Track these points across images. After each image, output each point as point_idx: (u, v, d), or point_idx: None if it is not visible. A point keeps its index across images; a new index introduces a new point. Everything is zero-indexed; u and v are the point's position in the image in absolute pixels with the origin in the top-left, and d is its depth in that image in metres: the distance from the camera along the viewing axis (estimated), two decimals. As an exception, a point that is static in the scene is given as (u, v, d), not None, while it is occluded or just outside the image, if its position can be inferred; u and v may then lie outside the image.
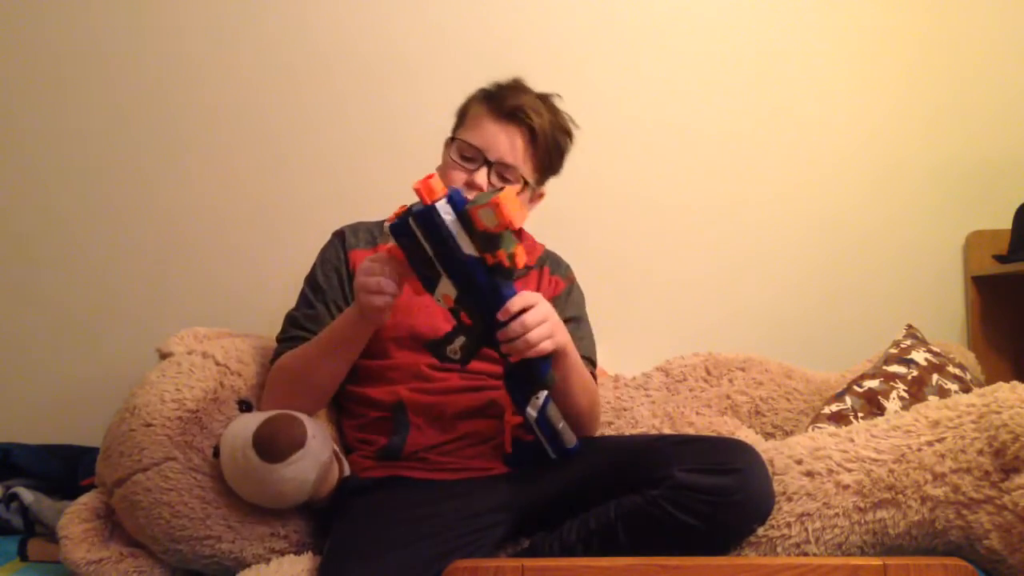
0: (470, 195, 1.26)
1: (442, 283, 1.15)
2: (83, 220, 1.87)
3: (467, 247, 1.12)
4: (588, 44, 1.88)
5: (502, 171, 1.35)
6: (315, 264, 1.43)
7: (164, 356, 1.40)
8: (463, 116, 1.42)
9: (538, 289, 1.42)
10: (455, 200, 1.11)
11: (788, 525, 1.15)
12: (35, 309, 1.87)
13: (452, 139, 1.39)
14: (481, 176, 1.34)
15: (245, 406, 1.32)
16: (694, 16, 1.89)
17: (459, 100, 1.44)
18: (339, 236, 1.44)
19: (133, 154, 1.87)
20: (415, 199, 1.13)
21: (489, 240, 1.11)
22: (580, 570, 1.10)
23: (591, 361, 1.42)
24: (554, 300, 1.40)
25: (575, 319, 1.43)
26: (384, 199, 1.50)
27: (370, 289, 1.17)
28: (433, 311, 1.31)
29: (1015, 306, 1.85)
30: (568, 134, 1.42)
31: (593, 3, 1.89)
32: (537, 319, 1.15)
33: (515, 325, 1.13)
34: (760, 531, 1.15)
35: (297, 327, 1.35)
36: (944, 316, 1.88)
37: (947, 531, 1.12)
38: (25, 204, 1.88)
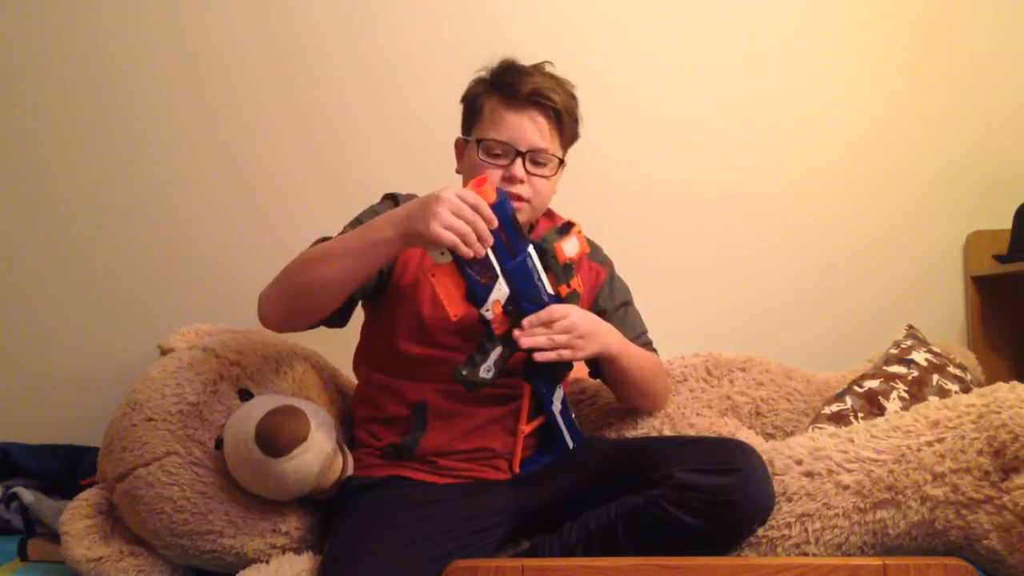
0: (511, 188, 1.29)
1: (496, 288, 1.18)
2: (83, 218, 1.87)
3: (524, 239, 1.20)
4: (591, 41, 1.88)
5: (535, 156, 1.31)
6: (362, 214, 1.33)
7: (165, 352, 1.40)
8: (478, 113, 1.35)
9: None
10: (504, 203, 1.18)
11: (788, 525, 1.15)
12: (35, 308, 1.87)
13: (476, 140, 1.32)
14: (517, 167, 1.30)
15: (246, 395, 1.32)
16: (695, 14, 1.89)
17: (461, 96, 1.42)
18: (394, 200, 1.36)
19: (133, 151, 1.87)
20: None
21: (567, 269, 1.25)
22: (580, 570, 1.10)
23: (647, 338, 1.45)
24: (599, 289, 1.41)
25: (625, 304, 1.44)
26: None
27: (462, 227, 1.10)
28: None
29: (1015, 306, 1.85)
30: (576, 99, 1.38)
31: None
32: (564, 328, 1.20)
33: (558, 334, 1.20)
34: (760, 531, 1.15)
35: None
36: (944, 316, 1.88)
37: (947, 531, 1.12)
38: (24, 202, 1.87)
